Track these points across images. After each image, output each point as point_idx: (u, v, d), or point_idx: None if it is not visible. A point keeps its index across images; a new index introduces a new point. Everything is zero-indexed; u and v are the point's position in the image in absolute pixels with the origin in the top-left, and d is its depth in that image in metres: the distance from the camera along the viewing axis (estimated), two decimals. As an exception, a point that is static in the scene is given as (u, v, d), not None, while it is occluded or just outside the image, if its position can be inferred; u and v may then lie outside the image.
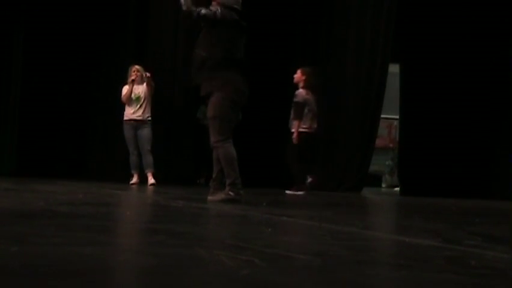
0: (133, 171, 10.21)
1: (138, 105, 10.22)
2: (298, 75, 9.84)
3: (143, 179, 10.08)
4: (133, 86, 10.15)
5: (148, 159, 10.12)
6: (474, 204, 8.73)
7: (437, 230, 4.13)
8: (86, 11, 11.42)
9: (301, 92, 9.68)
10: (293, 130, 9.67)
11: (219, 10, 6.02)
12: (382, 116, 12.46)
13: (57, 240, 2.66)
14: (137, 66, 10.39)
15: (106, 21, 11.45)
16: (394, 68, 12.47)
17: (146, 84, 10.15)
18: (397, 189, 13.16)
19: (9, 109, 11.50)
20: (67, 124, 11.29)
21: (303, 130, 9.67)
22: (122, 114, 10.27)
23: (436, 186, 11.25)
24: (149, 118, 10.26)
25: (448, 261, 2.55)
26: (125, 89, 10.25)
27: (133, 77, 10.18)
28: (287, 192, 9.41)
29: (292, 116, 9.75)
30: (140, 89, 10.26)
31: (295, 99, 9.67)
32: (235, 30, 6.14)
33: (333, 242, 3.08)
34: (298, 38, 11.98)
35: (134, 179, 10.13)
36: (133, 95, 10.22)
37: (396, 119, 14.19)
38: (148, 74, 10.17)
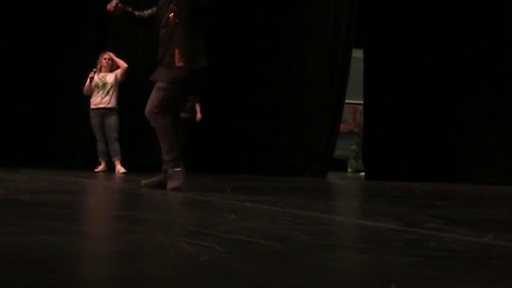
0: (100, 159, 10.12)
1: (105, 93, 10.08)
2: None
3: (110, 167, 10.02)
4: (93, 77, 10.05)
5: (115, 146, 10.04)
6: (438, 188, 8.82)
7: (399, 213, 4.18)
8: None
9: None
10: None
11: None
12: (347, 101, 12.54)
13: (17, 229, 2.63)
14: (109, 53, 10.29)
15: (68, 7, 11.27)
16: (358, 53, 12.53)
17: (120, 74, 10.13)
18: (363, 174, 13.25)
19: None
20: (29, 111, 11.14)
21: None
22: (89, 102, 10.17)
23: (401, 171, 11.35)
24: (117, 106, 10.16)
25: (407, 244, 2.58)
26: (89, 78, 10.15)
27: (100, 65, 10.16)
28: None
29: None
30: (108, 77, 10.16)
31: None
32: None
33: (295, 227, 3.10)
34: (261, 22, 11.94)
35: (101, 167, 10.03)
36: (99, 81, 10.11)
37: (361, 104, 14.27)
38: (124, 65, 10.17)
